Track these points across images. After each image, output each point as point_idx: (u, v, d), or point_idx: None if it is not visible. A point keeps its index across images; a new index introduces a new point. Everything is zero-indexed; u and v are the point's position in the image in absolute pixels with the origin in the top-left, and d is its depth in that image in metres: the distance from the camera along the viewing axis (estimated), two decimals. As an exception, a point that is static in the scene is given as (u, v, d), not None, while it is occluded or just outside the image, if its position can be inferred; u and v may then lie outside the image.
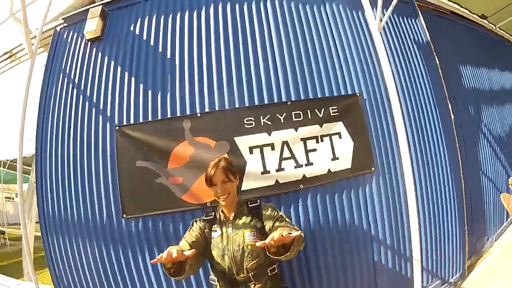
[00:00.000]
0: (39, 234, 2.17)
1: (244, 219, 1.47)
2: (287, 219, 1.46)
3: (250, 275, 1.40)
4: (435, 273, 2.38)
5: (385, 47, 2.11)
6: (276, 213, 1.47)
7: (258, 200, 1.53)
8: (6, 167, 8.53)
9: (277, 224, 1.40)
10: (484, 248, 3.04)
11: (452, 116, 2.56)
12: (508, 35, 4.17)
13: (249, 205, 1.50)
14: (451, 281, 2.46)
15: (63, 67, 2.16)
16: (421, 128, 2.32)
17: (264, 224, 1.44)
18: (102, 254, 1.96)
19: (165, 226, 1.92)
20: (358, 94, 2.12)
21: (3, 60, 3.18)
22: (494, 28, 3.75)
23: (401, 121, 2.06)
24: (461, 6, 3.22)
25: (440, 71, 2.53)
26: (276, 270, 1.48)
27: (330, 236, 2.01)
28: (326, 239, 2.00)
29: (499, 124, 3.33)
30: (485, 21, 3.60)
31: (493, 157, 3.15)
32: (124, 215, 1.92)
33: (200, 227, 1.48)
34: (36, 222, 2.86)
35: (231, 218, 1.47)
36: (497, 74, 3.53)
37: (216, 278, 1.49)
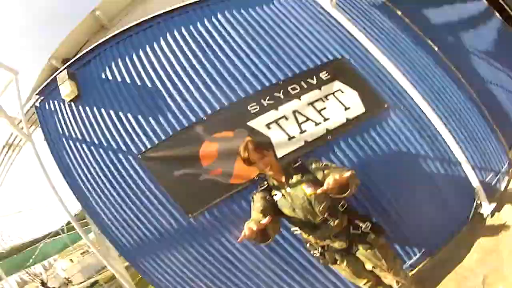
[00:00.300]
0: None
1: (296, 178, 1.58)
2: (334, 165, 1.63)
3: (325, 216, 1.53)
4: (485, 168, 2.43)
5: (345, 16, 2.46)
6: (321, 164, 1.62)
7: (299, 159, 1.68)
8: (65, 232, 8.53)
9: (327, 171, 1.54)
10: None
11: (436, 48, 2.73)
12: None
13: (293, 166, 1.63)
14: (502, 171, 2.49)
15: (60, 132, 2.33)
16: (411, 62, 2.53)
17: (316, 175, 1.56)
18: (190, 254, 2.09)
19: (230, 208, 2.05)
20: (339, 57, 2.37)
21: (7, 152, 3.25)
22: None
23: (389, 63, 2.28)
24: None
25: (406, 19, 2.82)
26: (347, 204, 1.61)
27: (379, 169, 2.13)
28: (375, 180, 2.11)
29: (481, 41, 3.40)
30: None
31: (491, 68, 3.21)
32: (189, 214, 2.04)
33: (260, 196, 1.60)
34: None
35: (283, 180, 1.60)
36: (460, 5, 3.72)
37: (297, 228, 1.64)
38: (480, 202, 2.24)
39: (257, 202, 1.57)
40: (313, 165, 1.60)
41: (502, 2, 5.20)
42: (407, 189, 2.16)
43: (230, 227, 2.04)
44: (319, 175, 1.54)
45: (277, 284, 2.06)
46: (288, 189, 1.56)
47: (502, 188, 2.43)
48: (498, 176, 2.43)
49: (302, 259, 2.04)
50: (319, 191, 1.30)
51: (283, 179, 1.59)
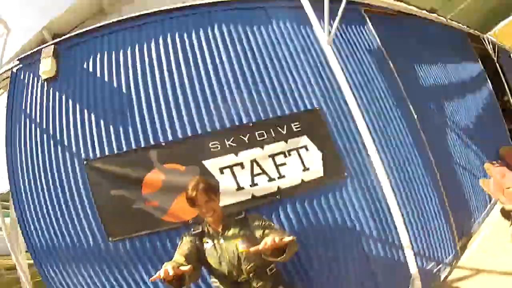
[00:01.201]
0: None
1: (233, 230, 1.54)
2: (276, 227, 1.59)
3: (250, 276, 1.49)
4: (428, 256, 2.47)
5: (337, 59, 2.31)
6: (264, 222, 1.56)
7: (243, 212, 1.64)
8: None
9: (267, 231, 1.49)
10: (473, 229, 3.14)
11: (415, 116, 2.67)
12: (460, 25, 4.34)
13: (235, 218, 1.60)
14: (446, 261, 2.56)
15: (23, 107, 2.22)
16: (385, 131, 2.48)
17: (255, 233, 1.52)
18: (99, 278, 2.00)
19: (153, 244, 1.98)
20: (317, 108, 2.26)
21: None
22: (445, 20, 3.91)
23: (365, 127, 2.16)
24: (409, 4, 3.34)
25: (395, 74, 2.70)
26: (275, 269, 1.58)
27: (319, 239, 2.10)
28: (311, 247, 2.08)
29: (463, 113, 3.49)
30: (434, 14, 3.73)
31: (463, 147, 3.27)
32: (110, 238, 1.97)
33: (190, 240, 1.55)
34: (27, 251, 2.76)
35: (219, 230, 1.55)
36: (453, 66, 3.72)
37: (217, 281, 1.57)
38: None
39: (185, 244, 1.52)
40: (256, 222, 1.56)
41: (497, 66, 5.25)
42: (340, 267, 2.11)
43: (146, 263, 1.95)
44: (258, 233, 1.51)
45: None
46: (222, 241, 1.52)
47: (441, 279, 2.44)
48: (439, 266, 2.45)
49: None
50: (252, 249, 1.24)
51: (220, 229, 1.55)
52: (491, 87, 4.65)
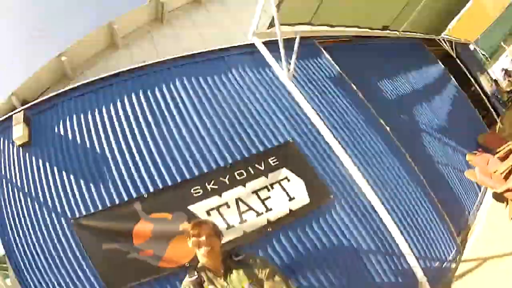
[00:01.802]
0: None
1: (236, 273, 1.47)
2: (276, 273, 1.50)
3: None
4: (430, 257, 2.44)
5: (300, 91, 2.42)
6: (265, 265, 1.51)
7: (242, 252, 1.57)
8: None
9: (268, 270, 1.46)
10: (470, 221, 3.15)
11: (388, 128, 2.79)
12: (414, 33, 4.56)
13: (235, 259, 1.52)
14: (449, 258, 2.53)
15: (2, 172, 2.22)
16: (362, 147, 2.59)
17: (258, 273, 1.47)
18: None
19: None
20: (290, 140, 2.37)
21: None
22: (398, 33, 4.13)
23: (341, 150, 2.27)
24: (359, 27, 3.48)
25: (359, 93, 2.86)
26: None
27: (318, 263, 2.08)
28: (316, 267, 2.06)
29: (433, 115, 3.65)
30: (387, 31, 3.91)
31: (442, 145, 3.39)
32: None
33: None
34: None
35: (222, 272, 1.48)
36: (414, 73, 3.96)
37: None
38: None
39: None
40: (256, 261, 1.52)
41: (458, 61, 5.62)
42: (346, 284, 2.06)
43: None
44: (260, 274, 1.46)
45: None
46: (225, 283, 1.44)
47: (450, 274, 2.43)
48: (444, 264, 2.45)
49: None
50: None
51: (222, 272, 1.47)
52: (455, 82, 4.91)
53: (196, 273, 1.50)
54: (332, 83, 2.78)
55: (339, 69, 2.92)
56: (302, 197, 2.15)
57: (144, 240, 1.96)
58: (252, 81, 2.52)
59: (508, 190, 2.66)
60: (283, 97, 2.49)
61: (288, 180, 2.17)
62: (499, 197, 2.91)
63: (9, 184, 2.18)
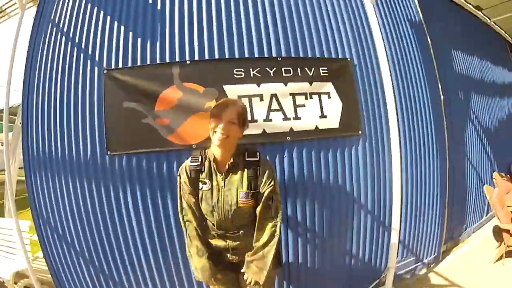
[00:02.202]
0: (23, 178, 2.17)
1: (240, 174, 1.36)
2: (274, 200, 1.38)
3: (240, 232, 1.40)
4: (410, 249, 2.44)
5: (377, 19, 2.19)
6: (270, 183, 1.37)
7: (258, 154, 1.40)
8: None
9: (268, 192, 1.35)
10: (462, 237, 3.15)
11: (442, 97, 2.60)
12: (502, 31, 4.23)
13: (247, 158, 1.37)
14: (425, 261, 2.54)
15: (52, 17, 2.18)
16: (410, 102, 2.45)
17: (258, 187, 1.36)
18: (83, 190, 1.99)
19: (149, 164, 1.97)
20: (348, 59, 2.21)
21: None
22: (488, 21, 3.80)
23: (391, 91, 2.15)
24: None
25: (431, 51, 2.61)
26: None
27: (312, 191, 2.08)
28: (308, 194, 2.07)
29: (487, 117, 3.41)
30: (480, 12, 3.63)
31: (479, 147, 3.23)
32: (109, 152, 1.96)
33: (188, 184, 1.39)
34: (20, 168, 2.84)
35: (225, 169, 1.36)
36: (488, 66, 3.62)
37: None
38: (384, 282, 2.22)
39: (185, 192, 1.40)
40: (265, 177, 1.36)
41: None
42: (326, 223, 2.09)
43: (136, 181, 1.94)
44: (262, 188, 1.35)
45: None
46: (222, 183, 1.35)
47: (413, 279, 2.43)
48: (416, 264, 2.45)
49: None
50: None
51: (226, 167, 1.36)
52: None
53: (200, 159, 1.40)
54: (409, 25, 2.51)
55: (421, 18, 2.61)
56: (333, 119, 2.08)
57: (167, 107, 1.93)
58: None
59: (508, 232, 2.57)
60: (358, 17, 2.26)
61: (329, 97, 2.07)
62: (498, 233, 2.84)
63: (55, 27, 2.14)
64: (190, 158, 1.43)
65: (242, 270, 1.43)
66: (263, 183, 1.35)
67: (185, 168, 1.42)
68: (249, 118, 1.92)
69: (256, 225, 1.37)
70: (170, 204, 1.96)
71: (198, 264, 1.41)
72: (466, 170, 3.05)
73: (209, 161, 1.38)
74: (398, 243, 2.21)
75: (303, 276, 2.11)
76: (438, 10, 3.05)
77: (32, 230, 2.32)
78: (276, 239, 1.35)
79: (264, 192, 1.35)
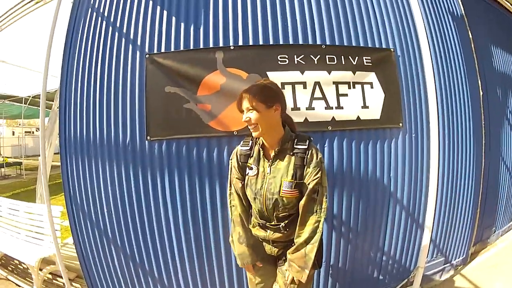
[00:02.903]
0: (57, 163, 2.17)
1: (287, 161, 1.29)
2: (320, 193, 1.29)
3: (280, 225, 1.32)
4: (440, 249, 2.39)
5: (420, 11, 2.13)
6: (317, 175, 1.27)
7: (308, 142, 1.31)
8: (28, 103, 8.76)
9: (304, 199, 1.27)
10: (490, 239, 3.06)
11: (481, 93, 2.52)
12: None
13: (295, 145, 1.30)
14: (453, 262, 2.48)
15: (91, 1, 2.18)
16: (451, 96, 2.38)
17: (303, 177, 1.28)
18: (120, 175, 1.99)
19: (189, 150, 1.96)
20: (392, 50, 2.16)
21: (29, 1, 3.29)
22: None
23: (432, 85, 2.09)
24: None
25: (472, 45, 2.52)
26: None
27: (350, 182, 2.05)
28: (345, 184, 2.05)
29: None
30: None
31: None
32: (148, 137, 1.95)
33: (237, 169, 1.39)
34: (55, 153, 2.87)
35: (272, 156, 1.32)
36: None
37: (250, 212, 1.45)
38: (412, 282, 2.18)
39: (235, 177, 1.39)
40: (312, 166, 1.26)
41: None
42: (361, 217, 2.06)
43: (174, 167, 1.93)
44: (307, 178, 1.27)
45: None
46: (268, 170, 1.30)
47: (440, 280, 2.38)
48: (444, 266, 2.39)
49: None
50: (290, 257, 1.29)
51: (273, 154, 1.31)
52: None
53: (250, 144, 1.38)
54: (452, 19, 2.44)
55: (463, 12, 2.54)
56: (375, 111, 2.04)
57: (209, 92, 1.92)
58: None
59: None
60: (401, 7, 2.21)
61: (372, 87, 2.03)
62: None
63: (95, 11, 2.13)
64: (242, 142, 1.42)
65: (283, 267, 1.39)
66: (309, 173, 1.27)
67: (236, 152, 1.41)
68: (292, 106, 1.93)
69: (299, 219, 1.29)
70: (208, 191, 1.95)
71: (238, 250, 1.40)
72: (500, 169, 2.96)
73: (258, 147, 1.35)
74: (430, 242, 2.16)
75: (334, 270, 2.09)
76: (479, 6, 2.97)
77: (63, 216, 2.34)
78: (318, 236, 1.26)
79: (309, 184, 1.26)
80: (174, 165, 1.95)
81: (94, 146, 2.01)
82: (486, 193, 2.73)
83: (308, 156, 1.27)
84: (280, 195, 1.27)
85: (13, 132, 15.10)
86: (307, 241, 1.26)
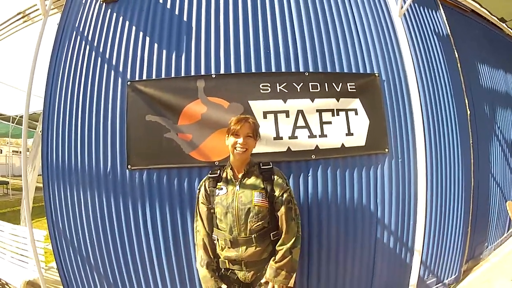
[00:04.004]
0: (41, 185, 2.13)
1: (254, 180, 1.44)
2: (293, 203, 1.45)
3: (252, 236, 1.38)
4: (432, 270, 2.33)
5: (405, 33, 2.10)
6: (286, 187, 1.45)
7: (271, 164, 1.52)
8: (15, 122, 8.76)
9: (286, 195, 1.41)
10: (483, 255, 3.01)
11: (468, 112, 2.49)
12: None
13: (261, 166, 1.49)
14: (445, 282, 2.42)
15: (76, 25, 2.16)
16: (437, 118, 2.33)
17: (274, 189, 1.42)
18: (102, 204, 1.94)
19: (170, 180, 1.91)
20: (376, 75, 2.12)
21: (16, 20, 3.28)
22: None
23: (418, 108, 2.05)
24: (481, 6, 3.21)
25: (459, 65, 2.48)
26: (279, 236, 1.44)
27: (336, 211, 1.99)
28: (331, 213, 1.99)
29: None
30: (504, 24, 3.55)
31: (504, 163, 3.09)
32: (129, 166, 1.91)
33: (203, 194, 1.49)
34: (39, 175, 2.82)
35: (239, 176, 1.45)
36: (513, 81, 3.46)
37: (216, 236, 1.46)
38: None
39: (202, 205, 1.48)
40: (280, 180, 1.45)
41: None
42: (348, 245, 2.00)
43: (156, 197, 1.89)
44: (276, 192, 1.41)
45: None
46: (237, 188, 1.42)
47: None
48: (437, 286, 2.32)
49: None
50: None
51: (241, 175, 1.45)
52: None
53: (218, 170, 1.51)
54: (437, 39, 2.40)
55: (448, 32, 2.51)
56: (360, 137, 1.99)
57: (190, 122, 1.87)
58: (363, 3, 2.21)
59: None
60: (386, 30, 2.18)
61: (356, 113, 1.98)
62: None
63: (79, 36, 2.12)
64: (210, 171, 1.55)
65: (263, 281, 1.40)
66: (279, 185, 1.42)
67: (205, 178, 1.53)
68: (274, 135, 1.87)
69: (284, 228, 1.39)
70: (189, 221, 1.89)
71: (201, 273, 1.45)
72: (490, 185, 2.92)
73: (227, 171, 1.49)
74: (420, 264, 2.11)
75: (324, 296, 2.02)
76: (465, 22, 2.96)
77: (47, 239, 2.29)
78: (299, 239, 1.41)
79: (283, 195, 1.41)
80: (155, 195, 1.89)
81: (76, 172, 1.96)
82: (477, 210, 2.69)
83: (275, 172, 1.47)
84: (253, 204, 1.38)
85: (1, 150, 14.74)
86: (293, 246, 1.38)
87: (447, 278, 2.43)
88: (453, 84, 2.41)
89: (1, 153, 14.62)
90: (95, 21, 2.14)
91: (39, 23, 2.63)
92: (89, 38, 2.09)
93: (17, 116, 8.27)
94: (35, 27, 3.19)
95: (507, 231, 3.39)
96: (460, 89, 2.50)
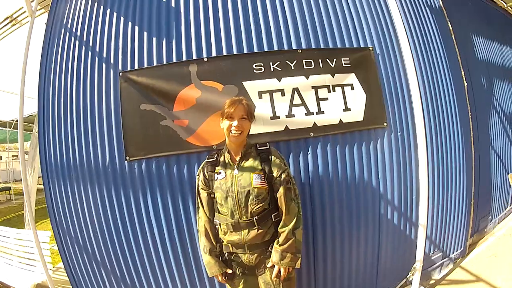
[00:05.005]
0: (42, 186, 2.10)
1: (252, 162, 1.41)
2: (292, 183, 1.42)
3: (254, 219, 1.36)
4: (437, 244, 2.30)
5: (397, 6, 2.05)
6: (284, 167, 1.42)
7: (268, 144, 1.48)
8: (12, 127, 8.67)
9: (284, 176, 1.38)
10: (487, 228, 2.98)
11: (465, 84, 2.44)
12: None
13: (258, 148, 1.46)
14: (451, 256, 2.39)
15: (64, 22, 2.11)
16: (434, 90, 2.27)
17: (272, 170, 1.39)
18: (103, 198, 1.91)
19: (170, 168, 1.88)
20: (370, 48, 2.07)
21: (5, 25, 3.25)
22: (505, 6, 3.59)
23: (415, 81, 2.01)
24: None
25: (453, 36, 2.43)
26: (280, 217, 1.42)
27: (338, 188, 1.95)
28: (333, 191, 1.95)
29: (510, 104, 3.20)
30: None
31: (504, 135, 3.05)
32: (127, 157, 1.87)
33: (202, 180, 1.46)
34: (39, 177, 2.80)
35: (237, 159, 1.42)
36: (509, 52, 3.40)
37: (218, 221, 1.44)
38: (411, 281, 2.03)
39: (202, 189, 1.45)
40: (278, 160, 1.41)
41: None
42: (352, 223, 1.96)
43: (156, 186, 1.85)
44: (275, 173, 1.37)
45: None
46: (235, 171, 1.39)
47: (440, 276, 2.30)
48: (442, 260, 2.30)
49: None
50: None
51: (238, 158, 1.41)
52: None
53: (215, 155, 1.48)
54: (430, 12, 2.34)
55: (441, 4, 2.45)
56: (357, 112, 1.94)
57: (185, 107, 1.83)
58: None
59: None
60: (377, 3, 2.12)
61: (352, 88, 1.93)
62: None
63: (68, 31, 2.07)
64: (208, 156, 1.52)
65: (264, 276, 1.40)
66: (277, 165, 1.39)
67: (203, 164, 1.51)
68: (271, 114, 1.84)
69: (284, 209, 1.37)
70: (192, 208, 1.86)
71: (205, 260, 1.45)
72: (491, 158, 2.88)
73: (224, 154, 1.46)
74: (425, 239, 2.06)
75: (329, 275, 2.00)
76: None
77: (53, 240, 2.26)
78: (301, 219, 1.39)
79: (281, 175, 1.38)
80: (156, 184, 1.86)
81: (75, 169, 1.92)
82: (479, 183, 2.65)
83: (272, 153, 1.43)
84: (252, 186, 1.35)
85: (0, 157, 14.61)
86: (295, 227, 1.35)
87: (453, 253, 2.40)
88: (448, 56, 2.35)
89: (1, 159, 14.57)
90: (83, 16, 2.09)
91: (27, 25, 2.60)
92: (78, 33, 2.05)
93: (13, 120, 8.22)
94: (24, 30, 3.16)
95: (510, 204, 3.36)
96: (456, 61, 2.45)
